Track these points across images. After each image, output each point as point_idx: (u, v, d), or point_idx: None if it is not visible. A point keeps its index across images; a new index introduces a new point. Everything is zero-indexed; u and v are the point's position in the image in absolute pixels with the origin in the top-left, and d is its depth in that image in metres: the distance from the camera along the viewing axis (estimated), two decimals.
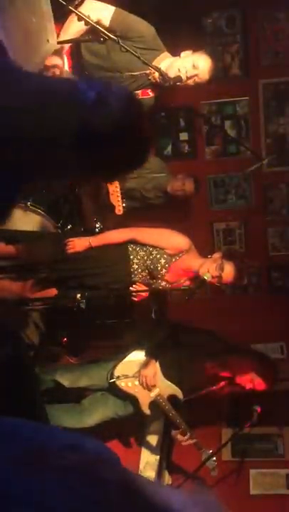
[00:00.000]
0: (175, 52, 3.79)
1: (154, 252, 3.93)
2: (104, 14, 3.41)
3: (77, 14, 2.97)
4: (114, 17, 3.45)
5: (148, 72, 3.60)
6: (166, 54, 3.71)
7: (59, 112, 1.63)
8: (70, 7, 2.98)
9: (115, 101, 1.64)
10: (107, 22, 3.40)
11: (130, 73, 3.63)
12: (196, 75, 3.68)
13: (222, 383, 3.99)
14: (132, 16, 3.56)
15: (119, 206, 3.79)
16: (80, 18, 2.99)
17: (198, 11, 5.39)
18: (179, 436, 4.08)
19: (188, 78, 3.67)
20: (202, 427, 4.56)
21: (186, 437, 4.05)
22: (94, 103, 1.61)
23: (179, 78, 3.60)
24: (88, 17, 3.01)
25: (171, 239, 3.97)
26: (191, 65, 3.66)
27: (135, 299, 3.93)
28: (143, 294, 3.92)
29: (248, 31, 5.47)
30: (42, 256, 3.83)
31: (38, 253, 3.81)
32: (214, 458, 4.05)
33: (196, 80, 3.72)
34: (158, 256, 3.92)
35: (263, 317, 5.56)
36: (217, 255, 3.91)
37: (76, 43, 3.53)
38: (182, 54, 3.72)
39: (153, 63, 3.55)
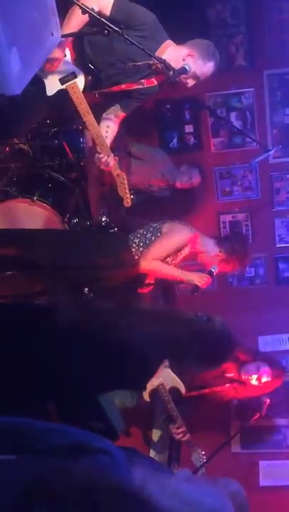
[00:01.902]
0: (178, 40, 3.74)
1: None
2: (105, 3, 3.37)
3: (80, 7, 2.95)
4: (115, 6, 3.41)
5: (151, 62, 3.57)
6: (169, 42, 3.67)
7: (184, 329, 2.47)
8: (74, 0, 2.96)
9: (220, 325, 2.59)
10: (108, 11, 3.37)
11: (133, 63, 3.60)
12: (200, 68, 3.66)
13: (227, 385, 4.01)
14: (133, 4, 3.52)
15: (127, 198, 3.77)
16: (83, 11, 2.98)
17: (202, 1, 5.36)
18: (174, 430, 4.10)
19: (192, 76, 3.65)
20: (211, 419, 4.57)
21: (179, 430, 4.07)
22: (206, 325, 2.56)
23: (183, 69, 3.57)
24: (92, 10, 3.00)
25: (178, 240, 4.01)
26: (193, 74, 3.64)
27: (144, 291, 3.94)
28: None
29: (253, 22, 5.44)
30: (44, 254, 3.81)
31: (40, 251, 3.79)
32: (205, 458, 4.06)
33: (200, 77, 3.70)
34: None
35: (270, 308, 5.55)
36: (218, 254, 3.97)
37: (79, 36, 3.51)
38: (187, 58, 3.67)
39: (157, 52, 3.53)
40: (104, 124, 3.79)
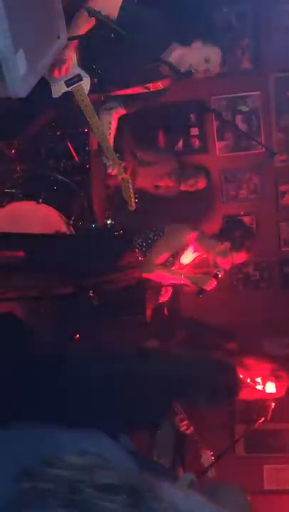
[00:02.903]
0: (184, 40, 3.73)
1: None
2: (112, 5, 3.37)
3: (87, 10, 2.96)
4: (122, 8, 3.41)
5: (158, 65, 3.56)
6: (176, 45, 3.66)
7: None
8: (81, 2, 2.97)
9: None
10: (115, 14, 3.37)
11: (140, 67, 3.60)
12: (207, 69, 3.65)
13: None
14: (140, 6, 3.52)
15: (132, 202, 3.78)
16: (91, 15, 2.98)
17: (209, 5, 5.36)
18: (177, 422, 4.10)
19: (199, 72, 3.63)
20: (215, 423, 4.55)
21: (183, 423, 4.07)
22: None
23: (189, 72, 3.57)
24: (99, 13, 3.00)
25: (178, 240, 4.01)
26: (203, 59, 3.61)
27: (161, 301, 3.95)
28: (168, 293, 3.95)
29: (259, 25, 5.44)
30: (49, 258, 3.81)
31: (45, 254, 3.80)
32: (213, 458, 4.06)
33: (207, 74, 3.68)
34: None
35: (275, 312, 5.54)
36: (224, 247, 3.93)
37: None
38: (193, 45, 3.65)
39: (163, 54, 3.53)
40: (105, 119, 3.79)
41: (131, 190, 3.77)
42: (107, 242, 4.13)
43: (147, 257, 3.93)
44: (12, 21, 1.86)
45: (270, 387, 3.93)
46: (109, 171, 3.68)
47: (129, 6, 3.45)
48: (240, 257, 4.19)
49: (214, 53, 3.65)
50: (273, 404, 3.94)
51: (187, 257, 4.14)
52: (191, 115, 5.72)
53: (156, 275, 3.90)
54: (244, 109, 5.60)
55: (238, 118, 5.61)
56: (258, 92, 5.55)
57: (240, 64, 5.50)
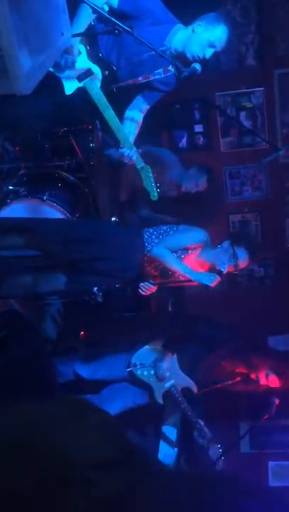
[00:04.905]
0: (187, 21, 3.69)
1: None
2: None
3: (90, 6, 2.95)
4: None
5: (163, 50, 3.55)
6: (178, 26, 3.64)
7: None
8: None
9: None
10: (115, 3, 3.37)
11: (148, 54, 3.59)
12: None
13: (238, 379, 4.00)
14: None
15: (154, 191, 3.76)
16: (94, 11, 2.98)
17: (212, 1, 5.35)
18: (197, 436, 4.11)
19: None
20: (220, 419, 4.56)
21: (202, 434, 4.08)
22: None
23: (193, 69, 3.56)
24: (102, 9, 3.00)
25: (193, 236, 3.96)
26: (207, 43, 3.55)
27: (143, 293, 3.89)
28: (152, 288, 3.88)
29: (263, 21, 5.42)
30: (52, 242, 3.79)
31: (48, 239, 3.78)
32: (221, 451, 4.06)
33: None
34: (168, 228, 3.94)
35: (280, 308, 5.54)
36: (226, 244, 3.88)
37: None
38: (195, 28, 3.61)
39: (166, 39, 3.53)
40: (128, 119, 3.80)
41: (152, 180, 3.75)
42: (118, 229, 4.15)
43: (157, 243, 3.86)
44: (15, 18, 1.85)
45: (274, 382, 3.92)
46: (127, 160, 3.66)
47: None
48: (245, 263, 4.14)
49: (220, 31, 3.58)
50: (278, 400, 3.93)
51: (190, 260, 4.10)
52: (195, 111, 5.72)
53: (164, 258, 3.80)
54: (248, 105, 5.59)
55: (242, 114, 5.60)
56: (262, 88, 5.54)
57: (244, 60, 5.49)
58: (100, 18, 3.23)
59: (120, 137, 3.59)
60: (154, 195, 3.80)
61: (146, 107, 3.89)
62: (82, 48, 3.40)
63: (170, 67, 3.65)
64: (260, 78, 5.54)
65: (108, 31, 3.07)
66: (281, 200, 5.75)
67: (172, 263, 3.78)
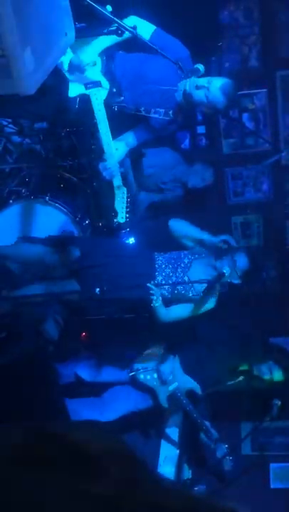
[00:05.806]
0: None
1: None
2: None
3: (95, 8, 2.96)
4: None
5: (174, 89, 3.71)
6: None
7: None
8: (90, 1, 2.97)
9: None
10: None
11: (159, 87, 3.72)
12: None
13: (240, 378, 4.01)
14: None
15: (122, 213, 3.86)
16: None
17: (215, 2, 5.35)
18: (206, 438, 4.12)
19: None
20: (222, 421, 4.55)
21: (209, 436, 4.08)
22: None
23: (196, 70, 3.59)
24: (106, 10, 3.00)
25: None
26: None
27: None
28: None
29: (266, 22, 5.42)
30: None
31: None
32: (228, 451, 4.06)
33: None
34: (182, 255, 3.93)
35: (282, 310, 5.53)
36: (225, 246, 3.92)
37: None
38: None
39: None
40: (115, 145, 3.86)
41: (124, 202, 3.84)
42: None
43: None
44: (19, 19, 1.85)
45: (278, 376, 3.94)
46: (107, 175, 3.75)
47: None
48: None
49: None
50: (279, 402, 3.93)
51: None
52: (198, 113, 5.71)
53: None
54: (251, 106, 5.58)
55: (245, 116, 5.59)
56: (265, 90, 5.53)
57: (247, 61, 5.49)
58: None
59: (107, 150, 3.68)
60: (122, 217, 3.87)
61: (134, 143, 3.97)
62: (98, 60, 3.52)
63: (170, 112, 3.75)
64: (262, 80, 5.53)
65: (111, 32, 3.09)
66: (283, 201, 5.74)
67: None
